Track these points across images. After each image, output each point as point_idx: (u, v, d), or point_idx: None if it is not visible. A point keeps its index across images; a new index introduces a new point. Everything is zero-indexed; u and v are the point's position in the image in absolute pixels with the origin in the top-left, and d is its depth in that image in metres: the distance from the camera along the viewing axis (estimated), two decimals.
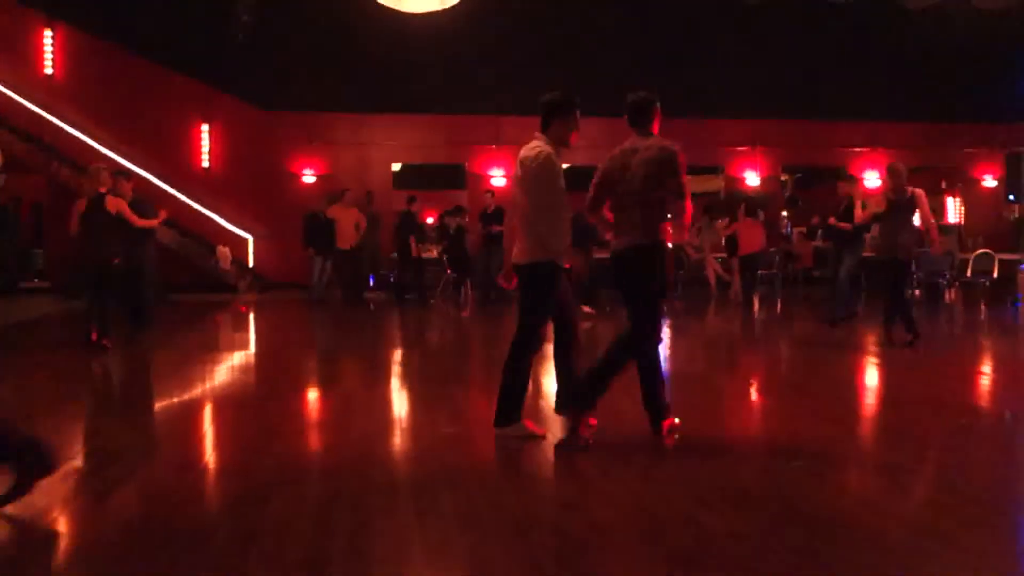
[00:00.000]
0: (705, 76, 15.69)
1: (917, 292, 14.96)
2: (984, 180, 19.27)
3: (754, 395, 5.73)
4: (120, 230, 8.35)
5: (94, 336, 8.09)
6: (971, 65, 16.50)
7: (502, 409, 4.60)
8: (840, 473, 4.16)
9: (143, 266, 9.11)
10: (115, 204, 8.29)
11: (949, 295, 14.44)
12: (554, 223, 4.52)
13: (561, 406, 4.84)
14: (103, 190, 8.26)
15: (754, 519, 3.32)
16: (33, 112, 15.90)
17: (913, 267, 13.95)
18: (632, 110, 4.69)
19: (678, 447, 4.48)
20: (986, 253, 14.09)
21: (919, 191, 8.29)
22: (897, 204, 8.22)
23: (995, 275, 13.92)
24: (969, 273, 14.02)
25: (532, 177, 4.54)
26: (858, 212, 9.37)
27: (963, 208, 19.55)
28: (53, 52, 16.56)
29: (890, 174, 8.38)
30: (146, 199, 10.24)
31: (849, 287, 10.12)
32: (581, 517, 3.38)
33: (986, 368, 7.82)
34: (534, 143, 4.64)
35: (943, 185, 19.78)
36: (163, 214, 9.66)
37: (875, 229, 9.22)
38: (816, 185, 20.58)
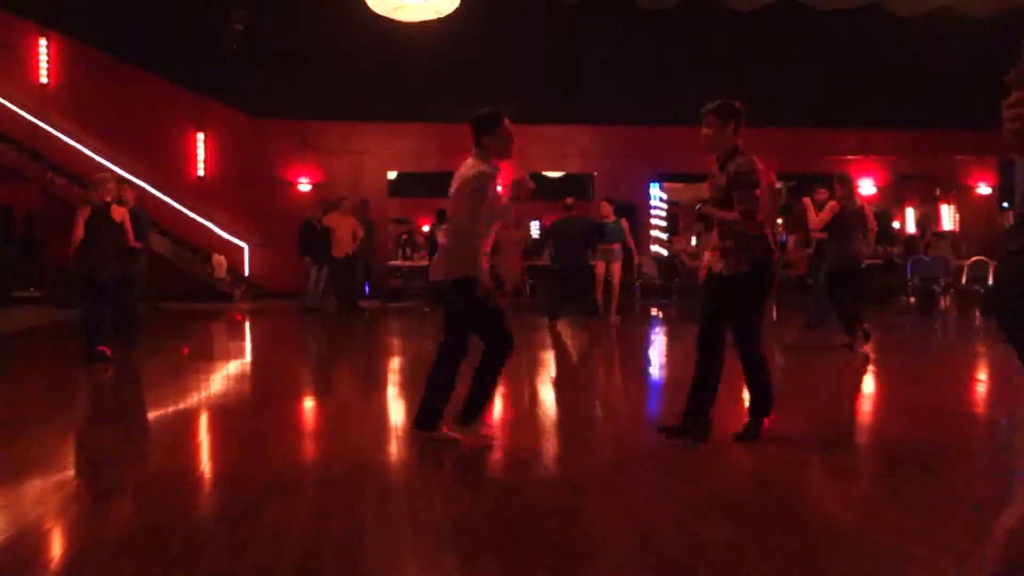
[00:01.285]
0: (697, 85, 15.71)
1: (911, 299, 15.00)
2: (978, 187, 19.33)
3: (746, 401, 5.70)
4: (120, 239, 8.41)
5: (100, 349, 8.07)
6: (963, 72, 16.57)
7: (424, 413, 4.63)
8: (833, 480, 4.16)
9: (133, 276, 9.16)
10: (120, 213, 8.38)
11: (944, 302, 14.47)
12: (479, 244, 4.47)
13: (465, 418, 4.71)
14: (109, 199, 8.31)
15: (747, 526, 3.31)
16: (27, 121, 15.90)
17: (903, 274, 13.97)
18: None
19: (670, 453, 4.48)
20: (981, 260, 14.12)
21: (866, 205, 8.37)
22: (846, 214, 8.20)
23: (990, 282, 13.94)
24: (964, 280, 14.05)
25: (463, 196, 4.48)
26: (812, 217, 9.19)
27: (957, 215, 19.61)
28: (48, 61, 16.57)
29: (839, 183, 8.35)
30: (141, 207, 10.24)
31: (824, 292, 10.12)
32: (574, 525, 3.37)
33: (981, 375, 7.83)
34: (469, 161, 4.56)
35: (937, 192, 19.86)
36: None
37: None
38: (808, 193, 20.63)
